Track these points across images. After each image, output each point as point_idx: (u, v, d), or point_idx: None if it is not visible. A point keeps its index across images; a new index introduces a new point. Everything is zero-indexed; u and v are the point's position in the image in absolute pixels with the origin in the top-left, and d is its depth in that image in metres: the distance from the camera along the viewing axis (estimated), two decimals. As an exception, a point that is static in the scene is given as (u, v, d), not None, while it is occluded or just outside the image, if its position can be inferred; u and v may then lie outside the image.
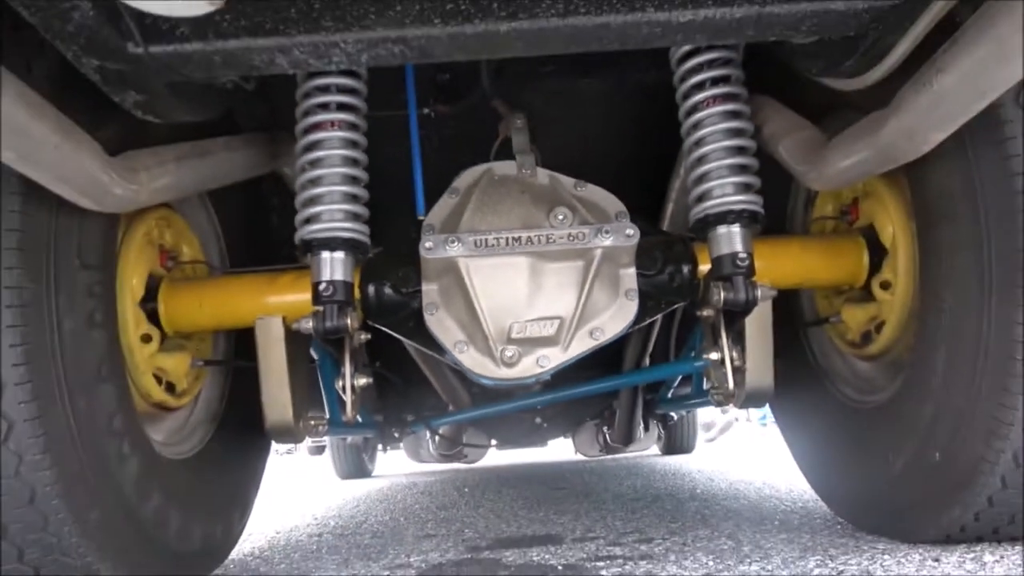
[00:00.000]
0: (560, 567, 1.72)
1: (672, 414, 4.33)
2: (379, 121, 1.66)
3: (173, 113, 1.38)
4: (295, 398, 1.64)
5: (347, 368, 1.66)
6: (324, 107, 1.57)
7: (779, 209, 2.11)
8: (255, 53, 1.18)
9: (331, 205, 1.56)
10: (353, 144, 1.58)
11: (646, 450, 6.18)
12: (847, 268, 1.81)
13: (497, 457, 7.44)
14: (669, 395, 2.74)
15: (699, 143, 1.57)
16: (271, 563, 2.15)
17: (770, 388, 1.63)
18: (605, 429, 3.76)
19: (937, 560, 1.49)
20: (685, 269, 1.73)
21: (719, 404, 1.80)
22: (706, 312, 1.67)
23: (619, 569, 1.65)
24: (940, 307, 1.52)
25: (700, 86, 1.57)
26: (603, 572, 1.63)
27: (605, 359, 2.30)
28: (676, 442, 5.98)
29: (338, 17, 1.14)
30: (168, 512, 1.60)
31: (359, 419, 2.00)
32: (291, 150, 1.67)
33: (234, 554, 2.26)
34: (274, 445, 2.43)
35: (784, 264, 1.80)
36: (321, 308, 1.56)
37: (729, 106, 1.56)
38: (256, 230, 2.26)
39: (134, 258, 1.66)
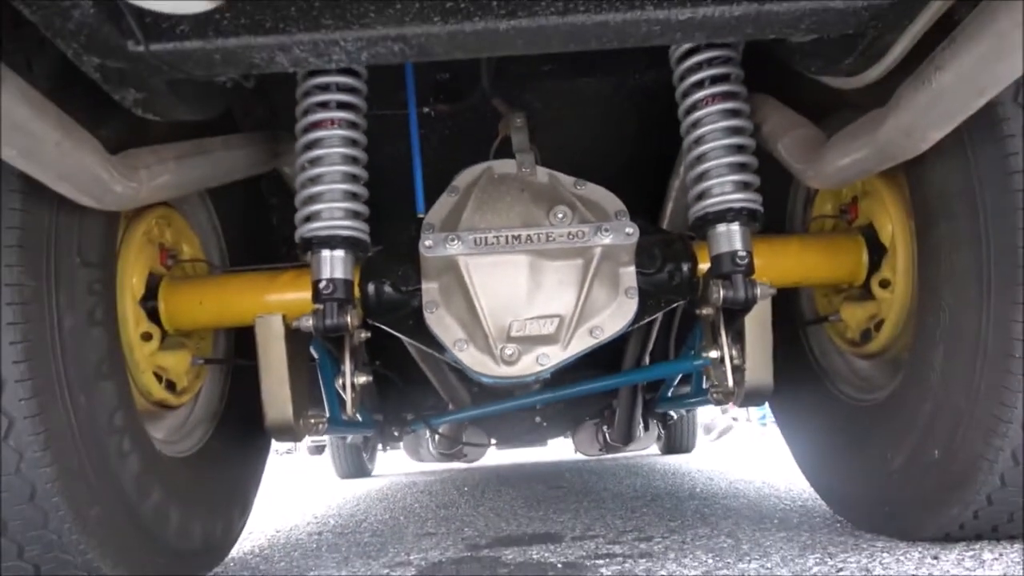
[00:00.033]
0: (560, 565, 1.72)
1: (672, 413, 4.33)
2: (379, 120, 1.66)
3: (173, 111, 1.38)
4: (295, 396, 1.64)
5: (347, 366, 1.67)
6: (324, 105, 1.57)
7: (779, 208, 2.11)
8: (255, 51, 1.18)
9: (331, 203, 1.56)
10: (353, 143, 1.58)
11: (646, 449, 6.18)
12: (846, 267, 1.81)
13: (497, 456, 7.45)
14: (669, 394, 2.74)
15: (698, 141, 1.57)
16: (271, 561, 2.15)
17: (769, 386, 1.63)
18: (605, 428, 3.76)
19: (936, 558, 1.49)
20: (685, 267, 1.73)
21: (719, 403, 1.80)
22: (705, 310, 1.67)
23: (619, 567, 1.65)
24: (939, 305, 1.53)
25: (699, 84, 1.57)
26: (603, 570, 1.63)
27: (605, 358, 2.30)
28: (676, 442, 5.98)
29: (338, 15, 1.14)
30: (168, 510, 1.60)
31: (359, 418, 2.00)
32: (291, 149, 1.67)
33: (234, 552, 2.26)
34: (274, 445, 2.43)
35: (783, 262, 1.81)
36: (321, 306, 1.56)
37: (728, 104, 1.56)
38: (256, 228, 2.26)
39: (134, 256, 1.66)
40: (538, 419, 3.68)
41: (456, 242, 1.59)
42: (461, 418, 2.82)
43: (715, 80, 1.56)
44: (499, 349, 1.59)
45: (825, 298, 2.04)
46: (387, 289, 1.71)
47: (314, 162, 1.57)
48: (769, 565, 1.55)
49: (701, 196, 1.58)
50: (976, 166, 1.41)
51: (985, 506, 1.48)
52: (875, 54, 1.30)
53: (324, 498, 4.32)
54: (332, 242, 1.56)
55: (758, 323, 1.61)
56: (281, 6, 1.13)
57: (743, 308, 1.59)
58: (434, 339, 1.64)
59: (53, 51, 1.17)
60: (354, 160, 1.58)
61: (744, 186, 1.56)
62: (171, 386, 1.79)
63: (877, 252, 1.78)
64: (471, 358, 1.61)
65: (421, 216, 1.75)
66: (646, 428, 3.45)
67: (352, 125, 1.58)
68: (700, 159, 1.57)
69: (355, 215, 1.58)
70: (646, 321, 1.76)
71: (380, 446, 5.24)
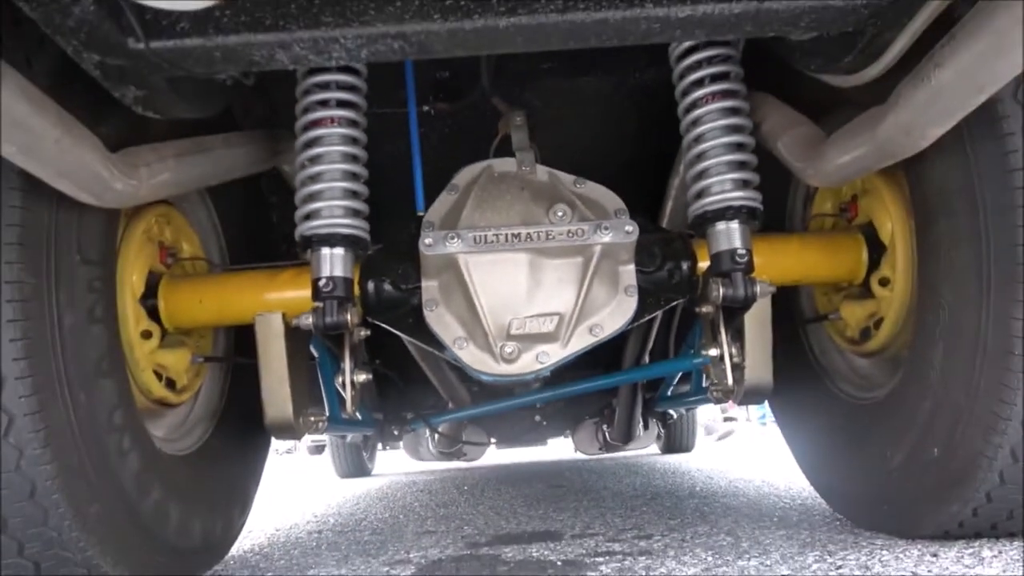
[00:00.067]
0: (559, 563, 1.72)
1: (671, 412, 4.33)
2: (379, 118, 1.67)
3: (173, 109, 1.38)
4: (295, 394, 1.64)
5: (347, 364, 1.67)
6: (324, 104, 1.57)
7: (778, 206, 2.11)
8: (255, 49, 1.18)
9: (331, 201, 1.56)
10: (353, 141, 1.58)
11: (645, 449, 6.18)
12: (846, 265, 1.81)
13: (496, 456, 7.44)
14: (668, 393, 2.74)
15: (698, 140, 1.57)
16: (271, 559, 2.15)
17: (769, 384, 1.63)
18: (604, 427, 3.76)
19: (935, 556, 1.50)
20: (684, 265, 1.73)
21: (718, 401, 1.80)
22: (705, 308, 1.67)
23: (618, 564, 1.65)
24: (939, 303, 1.53)
25: (699, 83, 1.58)
26: (602, 568, 1.63)
27: (604, 356, 2.31)
28: (675, 441, 5.98)
29: (338, 13, 1.14)
30: (168, 508, 1.60)
31: (358, 416, 2.00)
32: (291, 147, 1.67)
33: (234, 551, 2.26)
34: (274, 445, 2.43)
35: (783, 261, 1.81)
36: (321, 304, 1.57)
37: (728, 103, 1.56)
38: (256, 226, 2.26)
39: (134, 254, 1.67)
40: (538, 418, 3.68)
41: (456, 240, 1.60)
42: (461, 417, 2.82)
43: (715, 78, 1.57)
44: (499, 347, 1.59)
45: (825, 296, 2.05)
46: (387, 287, 1.71)
47: (314, 160, 1.57)
48: (768, 563, 1.55)
49: (701, 194, 1.58)
50: (976, 163, 1.41)
51: (984, 504, 1.49)
52: (874, 52, 1.30)
53: (324, 497, 4.33)
54: (332, 240, 1.56)
55: (758, 321, 1.61)
56: (281, 3, 1.13)
57: (743, 306, 1.59)
58: (434, 337, 1.64)
59: (53, 48, 1.17)
60: (354, 158, 1.59)
61: (744, 184, 1.56)
62: (171, 384, 1.79)
63: (877, 250, 1.78)
64: (471, 356, 1.61)
65: (421, 214, 1.75)
66: (646, 427, 3.45)
67: (352, 123, 1.58)
68: (700, 157, 1.57)
69: (355, 213, 1.58)
70: (646, 319, 1.76)
71: (380, 445, 5.25)
